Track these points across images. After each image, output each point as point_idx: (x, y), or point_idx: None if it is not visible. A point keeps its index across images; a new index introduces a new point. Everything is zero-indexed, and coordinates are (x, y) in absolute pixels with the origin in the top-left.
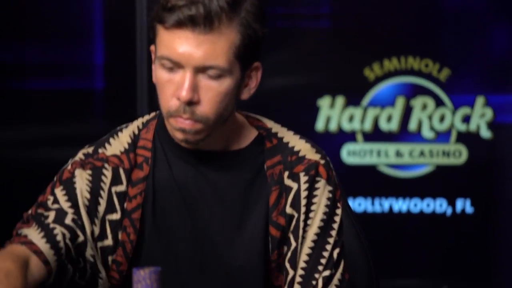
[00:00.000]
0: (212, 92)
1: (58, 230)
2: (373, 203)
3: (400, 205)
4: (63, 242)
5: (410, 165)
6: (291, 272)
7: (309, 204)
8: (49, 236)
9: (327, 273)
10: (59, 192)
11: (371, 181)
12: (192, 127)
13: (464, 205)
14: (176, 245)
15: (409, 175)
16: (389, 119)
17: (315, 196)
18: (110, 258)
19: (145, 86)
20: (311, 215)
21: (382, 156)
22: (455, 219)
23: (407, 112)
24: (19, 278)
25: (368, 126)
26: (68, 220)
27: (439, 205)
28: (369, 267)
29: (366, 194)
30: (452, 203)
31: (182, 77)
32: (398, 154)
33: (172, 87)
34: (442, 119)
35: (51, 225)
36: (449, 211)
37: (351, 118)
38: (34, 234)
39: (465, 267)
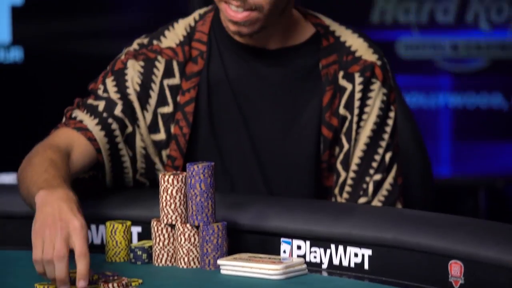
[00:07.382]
0: None
1: (111, 119)
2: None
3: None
4: (119, 131)
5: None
6: (343, 174)
7: (362, 106)
8: (104, 124)
9: (378, 177)
10: (110, 82)
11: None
12: (246, 18)
13: None
14: (228, 139)
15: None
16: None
17: (369, 98)
18: (164, 153)
19: None
20: (364, 117)
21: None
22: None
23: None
24: (64, 167)
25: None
26: (117, 111)
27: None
28: (424, 166)
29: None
30: (508, 97)
31: None
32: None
33: None
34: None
35: (104, 114)
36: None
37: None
38: (88, 120)
39: None
